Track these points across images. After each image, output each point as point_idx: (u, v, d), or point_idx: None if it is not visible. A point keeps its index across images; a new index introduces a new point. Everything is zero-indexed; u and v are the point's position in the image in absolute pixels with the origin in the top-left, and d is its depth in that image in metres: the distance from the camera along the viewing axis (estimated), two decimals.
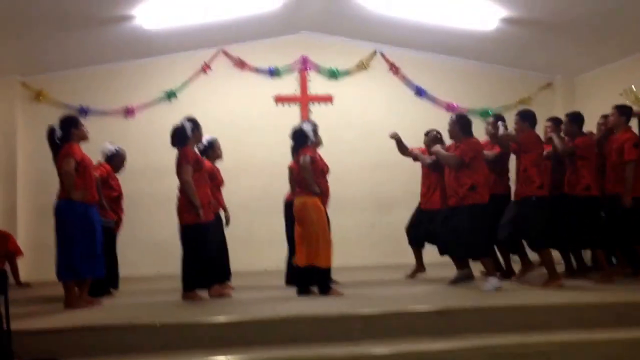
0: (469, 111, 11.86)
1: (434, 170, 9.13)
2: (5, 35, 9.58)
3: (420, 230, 9.36)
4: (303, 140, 8.20)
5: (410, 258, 9.72)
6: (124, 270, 9.07)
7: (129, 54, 11.55)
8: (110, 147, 8.87)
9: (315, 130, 8.28)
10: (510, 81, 12.65)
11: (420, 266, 9.65)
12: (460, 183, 8.20)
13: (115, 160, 8.87)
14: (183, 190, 7.83)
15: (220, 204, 8.89)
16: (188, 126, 7.94)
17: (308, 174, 7.94)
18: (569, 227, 8.53)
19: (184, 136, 7.90)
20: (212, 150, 8.91)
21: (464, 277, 8.64)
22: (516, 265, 9.15)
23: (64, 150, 7.45)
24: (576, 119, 8.86)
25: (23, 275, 10.33)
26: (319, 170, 8.10)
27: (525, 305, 6.81)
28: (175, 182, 7.94)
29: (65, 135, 7.55)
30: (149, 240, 11.25)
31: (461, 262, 8.75)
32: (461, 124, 8.44)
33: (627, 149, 8.22)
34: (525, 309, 6.70)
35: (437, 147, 8.61)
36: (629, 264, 8.88)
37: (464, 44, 11.81)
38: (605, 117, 8.94)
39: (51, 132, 7.62)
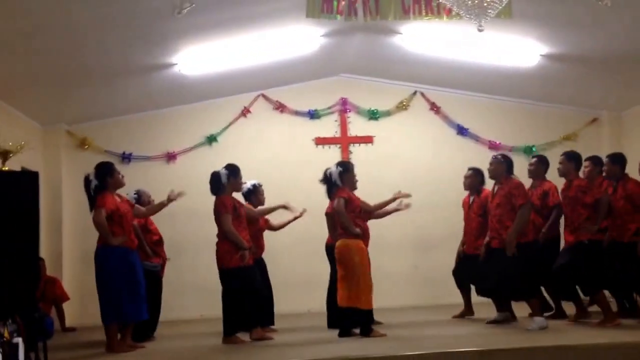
0: (512, 148, 11.79)
1: (479, 216, 9.01)
2: (50, 86, 9.74)
3: (466, 272, 9.21)
4: (332, 184, 8.17)
5: (452, 299, 9.59)
6: (167, 313, 9.12)
7: (171, 101, 11.69)
8: (131, 194, 8.75)
9: (345, 172, 8.20)
10: (554, 117, 12.45)
11: (468, 309, 9.49)
12: (503, 225, 8.12)
13: (144, 202, 8.80)
14: (223, 236, 7.87)
15: (263, 249, 8.91)
16: (224, 173, 8.02)
17: (343, 217, 7.90)
18: (620, 271, 8.31)
19: (220, 183, 7.97)
20: (255, 195, 8.94)
21: (504, 320, 8.49)
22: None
23: (97, 202, 7.52)
24: (618, 160, 8.71)
25: (68, 320, 10.40)
26: (357, 210, 8.06)
27: (574, 346, 6.64)
28: (215, 226, 7.98)
29: (101, 183, 7.64)
30: (192, 284, 11.23)
31: (503, 304, 8.60)
32: (507, 164, 8.39)
33: None
34: (573, 349, 6.54)
35: (511, 237, 8.07)
36: None
37: (504, 81, 11.68)
38: None
39: (87, 181, 7.71)
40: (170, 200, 8.22)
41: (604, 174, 8.77)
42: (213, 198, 8.12)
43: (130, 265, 7.55)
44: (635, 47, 9.47)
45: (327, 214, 8.51)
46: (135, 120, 11.83)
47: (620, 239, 8.33)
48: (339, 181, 8.12)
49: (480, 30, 6.82)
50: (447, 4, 7.27)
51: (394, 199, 8.55)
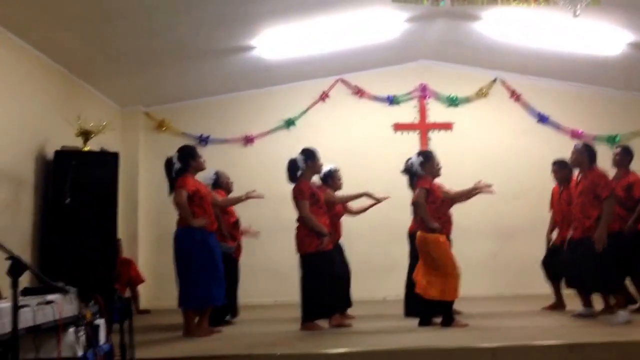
0: (596, 138, 11.47)
1: (568, 205, 8.74)
2: (129, 68, 9.83)
3: (557, 263, 8.94)
4: (414, 174, 8.02)
5: (531, 290, 9.36)
6: (243, 299, 9.08)
7: (249, 84, 11.68)
8: (210, 174, 8.76)
9: (426, 161, 8.03)
10: (637, 106, 12.12)
11: (559, 301, 9.22)
12: (586, 215, 7.88)
13: (222, 183, 8.84)
14: (302, 221, 7.79)
15: (340, 234, 8.80)
16: (300, 159, 7.93)
17: (423, 210, 7.73)
18: None
19: (297, 170, 7.89)
20: (332, 179, 8.85)
21: (588, 315, 8.24)
22: None
23: (177, 183, 7.50)
24: None
25: (142, 303, 10.46)
26: (439, 201, 7.88)
27: None
28: (293, 211, 7.90)
29: (183, 166, 7.61)
30: (268, 268, 11.24)
31: (587, 298, 8.35)
32: (589, 153, 8.12)
33: None
34: None
35: (601, 230, 7.75)
36: None
37: (587, 69, 11.42)
38: None
39: (169, 163, 7.68)
40: (248, 197, 8.22)
41: None
42: (288, 182, 8.03)
43: (209, 248, 7.51)
44: None
45: (413, 204, 8.30)
46: (213, 103, 11.89)
47: None
48: (420, 171, 7.95)
49: (576, 16, 6.61)
50: None
51: (474, 189, 8.32)
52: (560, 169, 9.05)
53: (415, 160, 8.06)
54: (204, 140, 11.62)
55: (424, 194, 7.77)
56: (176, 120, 11.74)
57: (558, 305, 9.18)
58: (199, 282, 7.39)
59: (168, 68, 10.18)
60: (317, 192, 8.05)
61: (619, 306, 7.74)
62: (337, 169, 8.95)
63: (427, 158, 8.08)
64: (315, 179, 8.44)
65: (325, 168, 8.64)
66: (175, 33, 8.96)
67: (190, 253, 7.43)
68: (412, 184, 8.10)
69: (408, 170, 8.14)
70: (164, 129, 11.68)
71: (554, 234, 9.24)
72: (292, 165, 8.02)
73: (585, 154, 8.13)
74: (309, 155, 8.05)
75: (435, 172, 8.12)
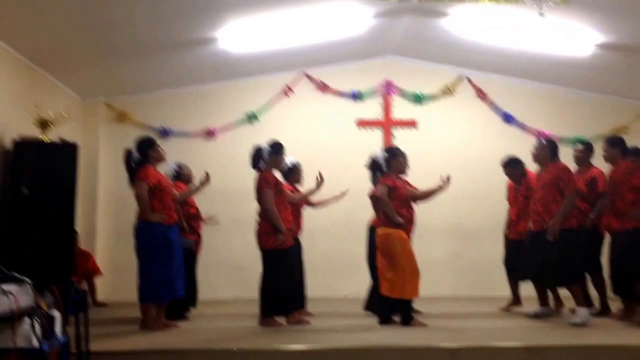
0: (561, 139, 11.48)
1: (525, 198, 8.74)
2: (90, 58, 9.66)
3: (517, 260, 8.92)
4: (377, 170, 7.95)
5: (492, 291, 9.36)
6: (202, 294, 8.98)
7: (212, 77, 11.53)
8: (172, 166, 8.73)
9: (391, 157, 7.96)
10: (604, 109, 12.17)
11: (516, 298, 9.27)
12: (547, 209, 7.89)
13: (183, 176, 8.76)
14: (264, 215, 7.68)
15: (301, 228, 8.73)
16: (266, 150, 7.84)
17: (387, 206, 7.67)
18: None
19: (261, 158, 7.80)
20: (293, 174, 8.78)
21: (544, 314, 8.28)
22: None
23: (138, 174, 7.40)
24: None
25: (100, 295, 10.31)
26: (402, 198, 7.81)
27: (626, 345, 6.30)
28: (255, 206, 7.80)
29: (142, 157, 7.52)
30: (228, 264, 11.14)
31: (544, 296, 8.39)
32: (551, 148, 8.18)
33: None
34: (625, 349, 6.20)
35: (555, 222, 7.80)
36: None
37: (556, 70, 11.45)
38: None
39: (128, 155, 7.58)
40: (202, 184, 8.23)
41: None
42: (252, 177, 7.92)
43: (169, 242, 7.43)
44: None
45: (371, 197, 8.23)
46: (175, 95, 11.71)
47: None
48: (385, 167, 7.88)
49: (541, 16, 6.62)
50: None
51: (438, 188, 8.28)
52: (514, 169, 9.06)
53: (381, 155, 8.00)
54: (165, 133, 11.45)
55: (386, 189, 7.69)
56: (137, 111, 11.55)
57: (515, 302, 9.23)
58: (158, 276, 7.30)
59: (129, 59, 10.02)
60: (280, 184, 7.95)
61: (578, 303, 7.73)
62: (299, 163, 8.88)
63: (392, 154, 8.01)
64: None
65: (287, 162, 8.55)
66: (136, 24, 8.81)
67: (149, 246, 7.35)
68: (375, 180, 8.03)
69: (372, 165, 8.06)
70: (124, 120, 11.48)
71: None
72: (257, 153, 7.92)
73: (548, 149, 8.17)
74: (276, 148, 7.95)
75: (401, 169, 8.05)
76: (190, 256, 8.32)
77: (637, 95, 12.03)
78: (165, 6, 8.40)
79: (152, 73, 10.82)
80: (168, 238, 7.41)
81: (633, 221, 7.71)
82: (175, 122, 11.62)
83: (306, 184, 8.98)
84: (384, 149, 8.25)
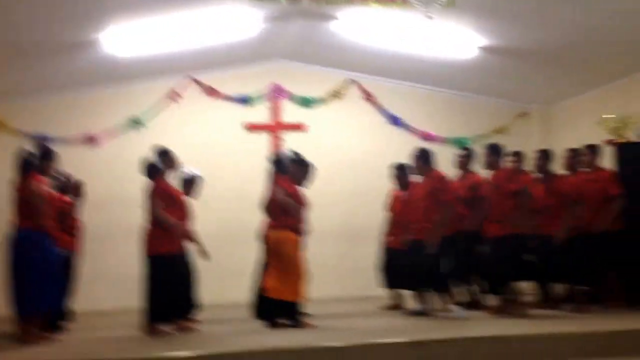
0: (445, 140, 11.74)
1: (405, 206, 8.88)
2: None
3: (392, 268, 9.12)
4: (279, 169, 7.91)
5: (379, 291, 9.52)
6: (85, 304, 8.79)
7: (94, 81, 11.24)
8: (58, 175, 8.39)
9: (298, 162, 7.95)
10: (486, 110, 12.56)
11: (397, 302, 9.41)
12: (427, 218, 8.08)
13: (64, 184, 8.49)
14: (153, 222, 7.53)
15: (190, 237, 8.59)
16: (158, 161, 7.72)
17: (289, 206, 7.63)
18: (544, 262, 8.40)
19: (156, 169, 7.65)
20: (191, 186, 8.47)
21: (424, 312, 8.40)
22: None
23: (33, 179, 7.17)
24: (547, 155, 8.81)
25: None
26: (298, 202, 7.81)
27: (502, 336, 6.57)
28: (139, 213, 7.65)
29: (39, 164, 7.32)
30: (113, 274, 10.84)
31: (422, 296, 8.52)
32: (424, 158, 8.36)
33: (610, 185, 8.47)
34: (502, 340, 6.46)
35: (434, 233, 8.01)
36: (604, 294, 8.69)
37: (439, 72, 11.68)
38: (572, 150, 8.97)
39: (25, 160, 7.28)
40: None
41: (528, 168, 8.85)
42: (137, 184, 7.79)
43: (45, 251, 7.17)
44: (567, 42, 9.63)
45: (263, 202, 8.16)
46: (54, 100, 11.33)
47: (546, 232, 8.38)
48: (286, 169, 7.85)
49: (429, 18, 6.75)
50: None
51: None
52: (400, 173, 9.22)
53: (288, 155, 8.03)
54: (43, 140, 10.99)
55: (283, 191, 7.66)
56: (14, 118, 11.05)
57: (397, 305, 9.36)
58: (32, 287, 7.02)
59: (5, 63, 9.67)
60: (173, 193, 7.79)
61: (452, 303, 8.04)
62: (199, 177, 8.53)
63: (301, 162, 8.01)
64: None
65: (190, 170, 8.31)
66: (11, 26, 8.54)
67: (24, 257, 7.07)
68: (271, 178, 7.97)
69: (275, 163, 8.02)
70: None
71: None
72: (151, 169, 7.72)
73: (421, 160, 8.35)
74: (164, 154, 7.83)
75: (302, 181, 8.02)
76: (67, 267, 8.07)
77: (517, 97, 12.48)
78: (45, 8, 8.18)
79: (30, 78, 10.48)
80: (44, 247, 7.16)
81: (510, 227, 7.90)
82: (54, 129, 11.16)
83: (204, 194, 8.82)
84: (296, 153, 8.16)
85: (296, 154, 8.18)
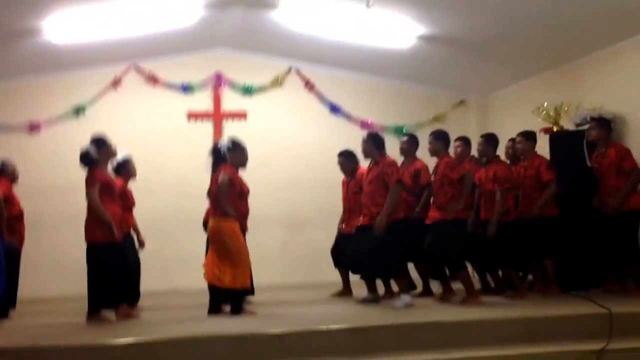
0: (384, 129, 11.89)
1: (355, 194, 9.00)
2: None
3: (342, 251, 9.15)
4: (218, 157, 7.96)
5: (322, 277, 9.57)
6: (25, 292, 8.74)
7: (36, 69, 11.15)
8: None
9: (234, 149, 7.96)
10: (424, 99, 12.70)
11: (347, 288, 9.50)
12: (375, 202, 8.10)
13: (7, 172, 8.48)
14: (91, 208, 7.54)
15: (132, 225, 8.62)
16: (93, 149, 7.61)
17: (223, 194, 7.68)
18: (486, 249, 8.53)
19: (90, 159, 7.60)
20: (124, 169, 8.58)
21: (372, 300, 8.55)
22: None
23: None
24: (492, 140, 8.89)
25: None
26: (237, 191, 7.86)
27: (441, 322, 6.65)
28: (82, 201, 7.65)
29: None
30: (54, 261, 10.83)
31: (372, 284, 8.67)
32: (375, 142, 8.35)
33: (543, 171, 8.50)
34: (440, 325, 6.56)
35: (382, 216, 7.97)
36: (541, 281, 8.88)
37: (379, 61, 11.81)
38: (512, 140, 9.09)
39: None
40: None
41: (473, 154, 9.00)
42: (79, 171, 7.73)
43: None
44: (503, 31, 9.77)
45: (209, 192, 8.24)
46: None
47: (488, 218, 8.51)
48: (227, 157, 7.91)
49: (369, 7, 6.74)
50: None
51: None
52: (346, 160, 9.27)
53: (225, 144, 7.99)
54: None
55: (227, 179, 7.71)
56: None
57: (346, 292, 9.45)
58: None
59: None
60: (110, 181, 7.79)
61: (402, 291, 8.06)
62: (129, 158, 8.71)
63: (235, 146, 8.00)
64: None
65: (119, 156, 8.40)
66: None
67: None
68: (214, 168, 8.00)
69: (214, 152, 8.02)
70: None
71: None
72: (86, 157, 7.70)
73: (371, 143, 8.34)
74: (100, 142, 7.78)
75: (241, 162, 8.09)
76: (11, 256, 7.99)
77: (455, 85, 12.64)
78: None
79: None
80: None
81: (450, 214, 8.04)
82: None
83: (137, 176, 8.86)
84: (229, 139, 8.15)
85: (231, 139, 8.17)
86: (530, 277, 9.21)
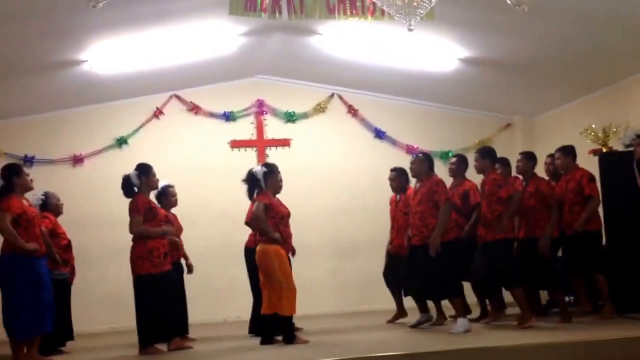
0: (430, 153, 11.74)
1: (404, 214, 8.87)
2: None
3: (394, 272, 9.01)
4: (254, 185, 7.88)
5: (373, 305, 9.40)
6: (77, 326, 8.67)
7: (78, 101, 11.15)
8: (38, 195, 8.34)
9: (270, 174, 7.89)
10: (469, 123, 12.53)
11: (401, 311, 9.36)
12: (425, 223, 8.03)
13: (51, 205, 8.48)
14: (135, 238, 7.49)
15: (179, 253, 8.56)
16: (134, 175, 7.67)
17: (263, 223, 7.60)
18: (536, 267, 8.33)
19: (131, 185, 7.61)
20: (165, 197, 8.59)
21: (425, 321, 8.42)
22: None
23: (1, 205, 7.05)
24: (531, 157, 8.87)
25: None
26: (278, 216, 7.76)
27: (497, 347, 6.57)
28: (127, 232, 7.58)
29: (7, 185, 7.19)
30: (101, 294, 10.72)
31: (423, 305, 8.52)
32: (429, 162, 8.39)
33: (585, 185, 8.35)
34: (496, 351, 6.47)
35: (435, 235, 7.94)
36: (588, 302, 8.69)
37: (422, 85, 11.69)
38: (551, 156, 9.03)
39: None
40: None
41: (514, 174, 8.94)
42: (123, 203, 7.75)
43: (36, 274, 7.11)
44: (548, 53, 9.66)
45: (247, 223, 8.18)
46: (39, 120, 11.19)
47: (531, 235, 8.39)
48: (263, 183, 7.81)
49: (410, 30, 6.77)
50: (377, 3, 7.28)
51: None
52: (398, 176, 9.21)
53: (259, 170, 7.93)
54: (29, 161, 10.89)
55: (262, 206, 7.62)
56: None
57: (400, 314, 9.33)
58: (25, 311, 6.97)
59: None
60: (155, 208, 7.76)
61: (458, 314, 7.91)
62: (171, 186, 8.71)
63: (271, 171, 7.94)
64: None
65: (159, 184, 8.37)
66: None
67: (14, 281, 7.01)
68: (251, 195, 7.95)
69: (250, 179, 7.96)
70: None
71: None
72: (126, 182, 7.72)
73: (426, 163, 8.36)
74: (143, 170, 7.79)
75: (276, 188, 8.00)
76: (63, 289, 8.04)
77: (500, 108, 12.47)
78: (29, 26, 8.09)
79: (14, 98, 10.34)
80: (34, 269, 7.10)
81: (498, 232, 7.92)
82: (40, 149, 11.07)
83: (181, 206, 8.79)
84: (263, 165, 8.17)
85: (265, 165, 8.17)
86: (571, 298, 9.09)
